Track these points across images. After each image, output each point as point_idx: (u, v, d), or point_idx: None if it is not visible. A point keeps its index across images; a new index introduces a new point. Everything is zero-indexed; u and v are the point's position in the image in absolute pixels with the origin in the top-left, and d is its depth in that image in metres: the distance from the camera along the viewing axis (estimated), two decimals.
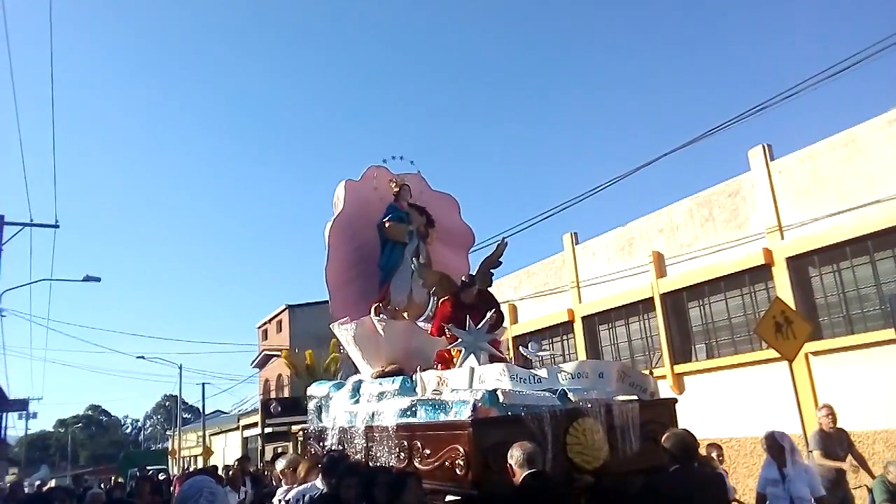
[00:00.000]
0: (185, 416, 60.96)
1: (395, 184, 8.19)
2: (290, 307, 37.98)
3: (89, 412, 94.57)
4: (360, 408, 6.37)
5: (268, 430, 35.26)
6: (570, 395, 5.08)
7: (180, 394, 46.41)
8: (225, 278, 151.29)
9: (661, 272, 14.33)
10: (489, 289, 7.20)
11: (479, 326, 6.16)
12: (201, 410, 48.05)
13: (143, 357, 41.61)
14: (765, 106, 12.82)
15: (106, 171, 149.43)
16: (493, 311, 6.43)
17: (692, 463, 4.48)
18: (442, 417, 5.17)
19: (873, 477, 8.09)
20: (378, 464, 5.58)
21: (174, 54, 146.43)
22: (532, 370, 5.34)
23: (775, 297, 11.50)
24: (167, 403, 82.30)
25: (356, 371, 7.49)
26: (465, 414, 4.86)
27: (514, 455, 4.33)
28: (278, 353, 36.10)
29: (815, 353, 11.44)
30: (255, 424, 39.55)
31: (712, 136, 12.87)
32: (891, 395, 10.28)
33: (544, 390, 5.10)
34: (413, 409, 5.57)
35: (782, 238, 12.25)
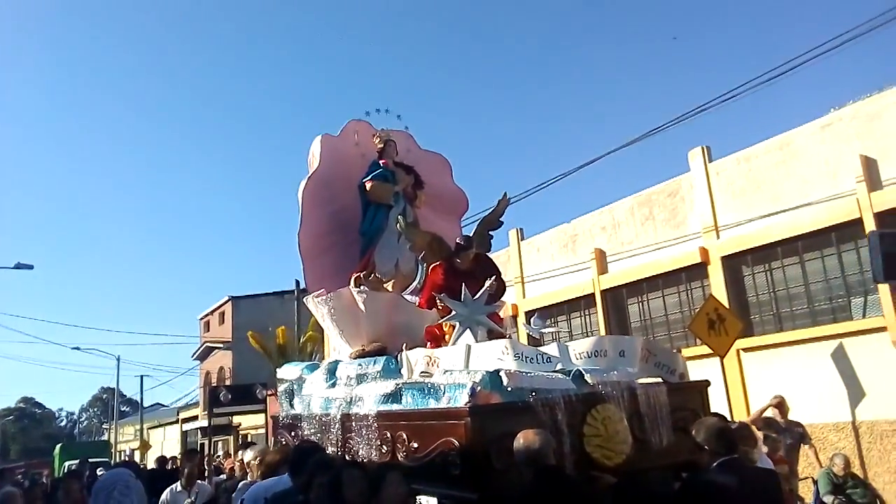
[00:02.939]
0: (122, 408, 57.61)
1: (378, 139, 6.82)
2: (233, 299, 35.62)
3: (21, 404, 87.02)
4: (336, 392, 5.13)
5: (205, 423, 33.36)
6: (586, 376, 3.98)
7: (118, 386, 43.09)
8: (166, 268, 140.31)
9: (602, 269, 13.64)
10: (488, 253, 5.95)
11: (477, 297, 4.95)
12: (139, 403, 45.35)
13: (78, 348, 39.07)
14: (703, 108, 12.44)
15: (40, 158, 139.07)
16: (493, 278, 5.23)
17: (736, 456, 3.46)
18: (432, 404, 4.07)
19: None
20: (356, 458, 4.39)
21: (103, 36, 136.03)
22: (540, 348, 4.25)
23: (709, 294, 11.09)
24: (104, 396, 77.32)
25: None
26: (461, 400, 3.77)
27: (521, 449, 3.31)
28: (220, 344, 34.14)
29: (746, 350, 10.91)
30: (194, 418, 37.30)
31: (655, 134, 12.42)
32: (817, 390, 9.83)
33: (555, 371, 4.02)
34: (398, 393, 4.41)
35: (718, 237, 11.73)
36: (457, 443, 3.66)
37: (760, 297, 11.40)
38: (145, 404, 46.37)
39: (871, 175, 9.95)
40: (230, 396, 17.69)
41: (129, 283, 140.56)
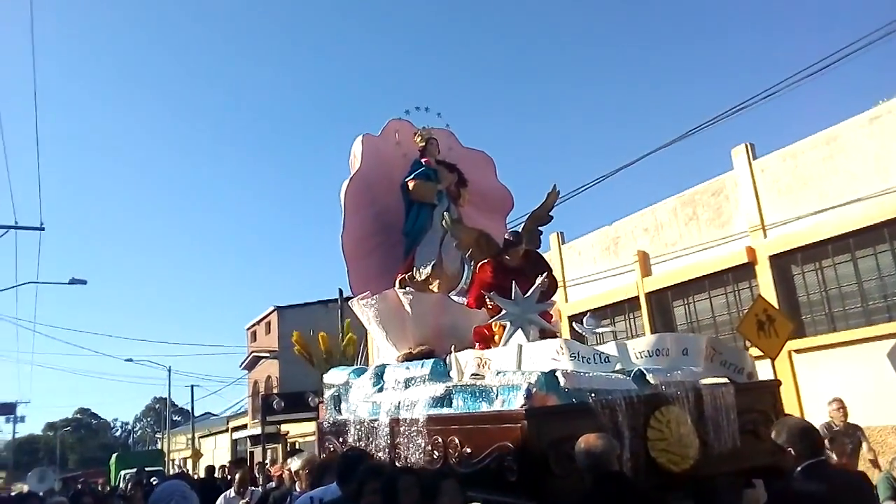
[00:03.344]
0: (174, 418, 58.42)
1: (420, 137, 6.57)
2: (278, 308, 35.53)
3: (78, 415, 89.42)
4: (384, 397, 4.91)
5: (256, 431, 33.61)
6: (648, 376, 3.68)
7: (169, 396, 43.72)
8: (213, 279, 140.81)
9: (646, 271, 13.27)
10: (538, 250, 5.63)
11: (528, 294, 4.64)
12: (190, 412, 45.98)
13: (131, 360, 39.58)
14: (745, 105, 12.04)
15: (92, 172, 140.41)
16: (545, 275, 4.92)
17: (823, 458, 3.08)
18: (484, 407, 3.83)
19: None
20: (406, 464, 4.16)
21: (162, 53, 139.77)
22: (597, 347, 3.98)
23: (758, 295, 10.68)
24: (157, 406, 78.55)
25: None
26: (516, 402, 3.51)
27: (581, 454, 3.07)
28: (267, 354, 34.38)
29: (798, 351, 10.43)
30: (244, 426, 37.54)
31: (697, 133, 12.08)
32: (872, 392, 9.33)
33: (614, 371, 3.73)
34: (448, 397, 4.18)
35: (765, 236, 11.33)
36: (513, 447, 3.43)
37: (811, 296, 10.94)
38: (196, 413, 47.08)
39: None
40: (283, 404, 17.54)
41: (179, 295, 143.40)
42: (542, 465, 3.36)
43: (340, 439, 5.42)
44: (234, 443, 39.58)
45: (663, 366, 3.82)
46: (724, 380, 4.07)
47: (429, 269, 6.05)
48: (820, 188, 10.80)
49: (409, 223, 6.29)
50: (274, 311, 35.77)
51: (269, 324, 36.65)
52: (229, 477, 9.96)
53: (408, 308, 5.51)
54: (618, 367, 3.80)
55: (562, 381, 3.51)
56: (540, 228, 5.57)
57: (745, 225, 11.63)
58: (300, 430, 24.91)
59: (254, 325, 39.45)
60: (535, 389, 3.48)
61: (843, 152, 10.57)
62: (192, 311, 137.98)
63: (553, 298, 5.17)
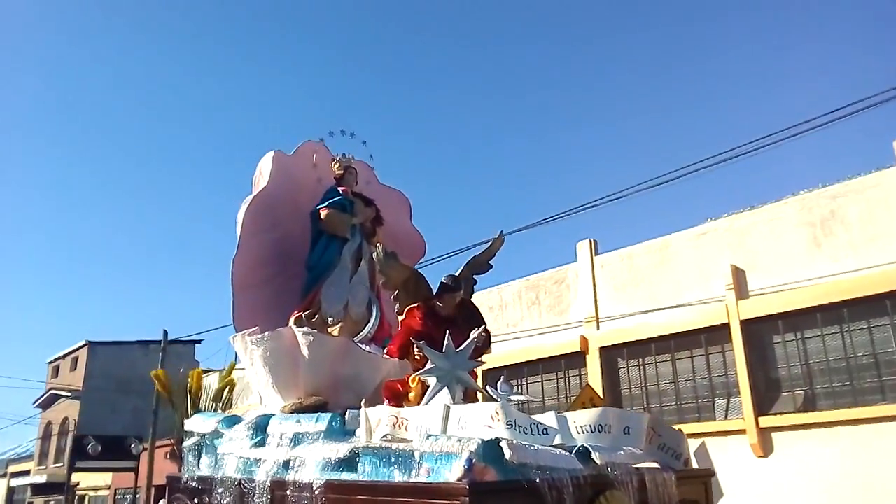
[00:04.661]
0: None
1: (338, 164, 5.90)
2: (90, 343, 31.53)
3: None
4: (265, 453, 4.08)
5: (41, 479, 29.79)
6: (594, 455, 3.22)
7: None
8: (10, 300, 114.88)
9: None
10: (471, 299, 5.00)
11: (461, 349, 4.05)
12: None
13: None
14: (594, 204, 12.88)
15: None
16: (481, 329, 4.33)
17: None
18: (398, 476, 3.18)
19: None
20: None
21: None
22: (534, 417, 3.44)
23: (586, 383, 11.17)
24: None
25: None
26: (448, 474, 2.90)
27: None
28: (69, 393, 30.92)
29: None
30: (26, 472, 33.24)
31: (546, 224, 12.70)
32: None
33: (555, 446, 3.24)
34: (353, 459, 3.48)
35: (598, 328, 11.94)
36: None
37: (633, 390, 11.54)
38: None
39: (740, 284, 10.36)
40: (99, 448, 15.27)
41: None
42: None
43: (197, 500, 4.51)
44: (11, 491, 34.63)
45: (605, 444, 3.40)
46: (654, 464, 3.64)
47: (339, 310, 5.33)
48: (650, 290, 11.55)
49: (314, 255, 5.54)
50: (85, 345, 31.64)
51: (76, 359, 32.27)
52: None
53: (304, 351, 4.71)
54: (556, 440, 3.32)
55: (507, 453, 2.92)
56: (475, 277, 4.99)
57: (582, 315, 12.11)
58: (93, 482, 22.34)
59: (58, 358, 34.55)
60: (474, 460, 2.91)
61: (673, 260, 11.42)
62: None
63: (484, 357, 4.61)
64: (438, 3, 76.37)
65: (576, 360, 12.03)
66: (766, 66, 59.16)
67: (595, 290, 12.03)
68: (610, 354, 11.71)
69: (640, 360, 11.47)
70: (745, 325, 10.12)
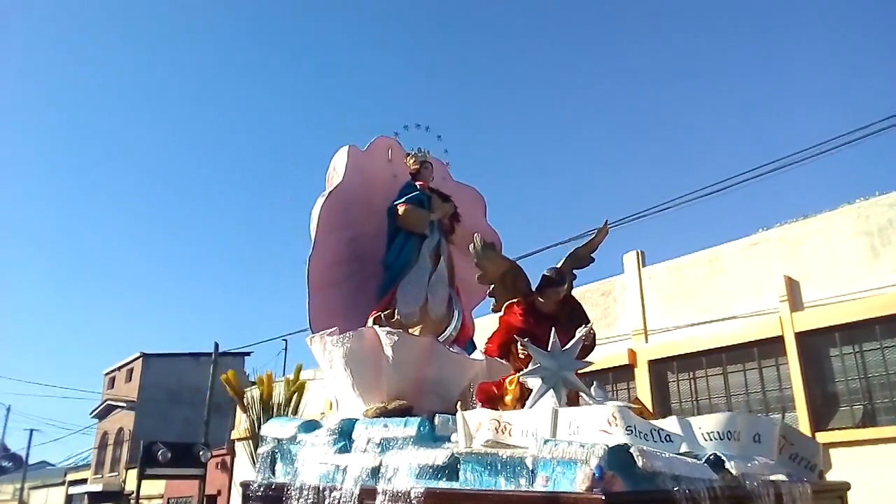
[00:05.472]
0: (2, 464, 52.80)
1: (413, 160, 5.57)
2: (144, 355, 31.99)
3: None
4: (350, 460, 3.78)
5: (97, 487, 30.61)
6: (728, 464, 2.88)
7: (3, 438, 39.85)
8: (70, 314, 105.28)
9: None
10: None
11: (568, 347, 3.68)
12: (24, 459, 41.52)
13: None
14: (642, 215, 12.77)
15: None
16: (586, 326, 3.96)
17: None
18: (504, 484, 2.86)
19: None
20: None
21: None
22: (655, 422, 3.12)
23: (635, 396, 11.04)
24: None
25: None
26: (574, 483, 2.57)
27: None
28: (124, 403, 31.80)
29: None
30: (83, 481, 34.07)
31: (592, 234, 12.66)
32: None
33: (682, 454, 2.91)
34: (452, 466, 3.15)
35: (646, 341, 11.72)
36: None
37: (683, 404, 11.27)
38: (30, 461, 42.58)
39: (794, 296, 9.93)
40: (169, 455, 15.34)
41: (27, 327, 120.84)
42: None
43: None
44: (69, 498, 35.59)
45: (734, 452, 3.05)
46: (783, 476, 3.21)
47: (415, 310, 5.02)
48: (699, 302, 11.30)
49: (391, 253, 5.23)
50: (139, 357, 32.08)
51: (131, 371, 32.67)
52: None
53: (388, 351, 4.35)
54: (682, 448, 2.98)
55: (639, 460, 2.57)
56: (575, 272, 4.53)
57: (629, 328, 11.79)
58: (150, 490, 22.88)
59: (114, 370, 35.11)
60: (604, 467, 2.60)
61: (724, 272, 11.17)
62: (43, 348, 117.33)
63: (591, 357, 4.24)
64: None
65: (624, 373, 11.76)
66: (823, 72, 57.68)
67: (643, 301, 11.79)
68: (659, 368, 11.43)
69: (691, 373, 11.19)
70: (800, 337, 9.80)
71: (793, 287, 10.03)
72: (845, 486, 3.67)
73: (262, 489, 4.52)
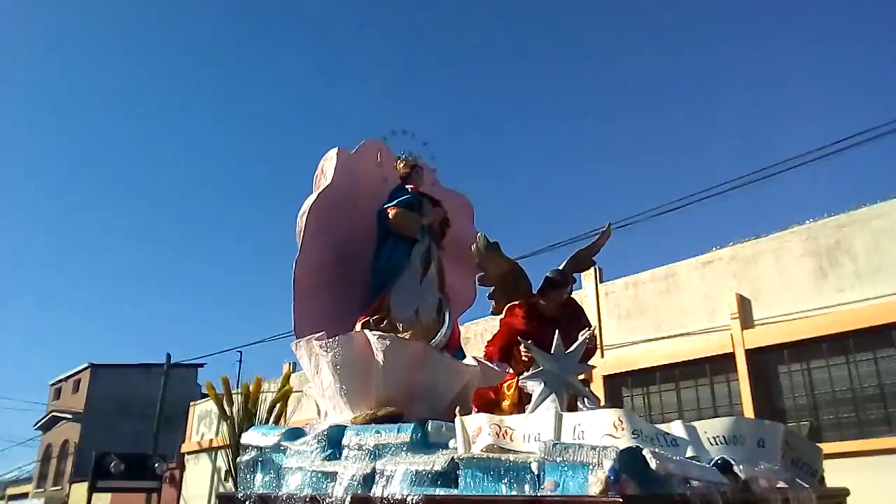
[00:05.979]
0: None
1: (403, 163, 5.48)
2: (93, 366, 30.86)
3: None
4: (340, 467, 3.67)
5: (36, 501, 29.47)
6: (737, 468, 2.87)
7: None
8: (12, 323, 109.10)
9: None
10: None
11: (571, 350, 3.59)
12: None
13: None
14: (598, 231, 12.96)
15: None
16: (589, 330, 3.89)
17: None
18: (505, 490, 2.78)
19: None
20: None
21: None
22: (660, 426, 3.06)
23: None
24: None
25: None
26: (585, 487, 2.50)
27: None
28: (70, 415, 30.82)
29: None
30: (23, 495, 33.02)
31: (552, 249, 12.79)
32: None
33: (690, 458, 2.88)
34: (451, 473, 3.05)
35: (602, 356, 11.90)
36: None
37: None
38: None
39: (745, 313, 10.10)
40: (122, 467, 14.69)
41: None
42: None
43: None
44: None
45: (739, 456, 3.03)
46: (783, 482, 3.22)
47: (409, 315, 4.88)
48: (655, 318, 11.44)
49: (381, 258, 5.10)
50: (87, 368, 30.88)
51: (78, 382, 31.39)
52: None
53: (379, 356, 4.24)
54: (689, 452, 2.95)
55: (653, 462, 2.50)
56: (574, 275, 4.50)
57: None
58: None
59: (60, 381, 33.71)
60: (619, 472, 2.53)
61: (678, 289, 11.37)
62: None
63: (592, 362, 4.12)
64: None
65: None
66: (775, 95, 59.55)
67: (599, 317, 11.94)
68: (614, 382, 11.50)
69: (645, 388, 11.32)
70: (750, 354, 10.01)
71: (744, 305, 10.26)
72: (845, 492, 3.72)
73: (243, 500, 4.37)
